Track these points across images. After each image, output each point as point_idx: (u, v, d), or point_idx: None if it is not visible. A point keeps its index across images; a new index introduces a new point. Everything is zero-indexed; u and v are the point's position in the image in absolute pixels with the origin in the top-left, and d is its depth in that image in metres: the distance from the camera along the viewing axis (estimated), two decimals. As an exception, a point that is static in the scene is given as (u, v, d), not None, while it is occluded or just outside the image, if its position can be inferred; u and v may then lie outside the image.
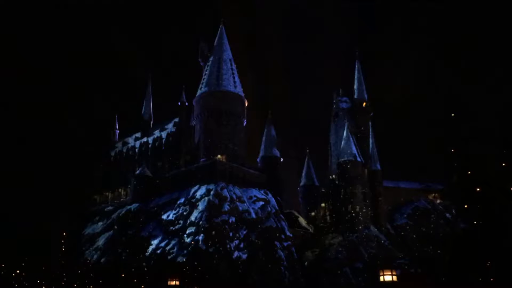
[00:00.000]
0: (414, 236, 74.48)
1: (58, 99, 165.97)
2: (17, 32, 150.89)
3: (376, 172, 75.94)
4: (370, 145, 78.36)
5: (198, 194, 58.30)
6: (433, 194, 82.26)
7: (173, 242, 55.08)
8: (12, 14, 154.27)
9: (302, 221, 74.56)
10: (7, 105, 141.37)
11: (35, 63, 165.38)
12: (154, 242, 56.53)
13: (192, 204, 57.68)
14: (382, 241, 67.97)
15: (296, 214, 75.94)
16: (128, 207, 66.08)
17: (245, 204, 59.04)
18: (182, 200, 59.82)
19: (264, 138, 77.39)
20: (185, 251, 51.89)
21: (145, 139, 76.97)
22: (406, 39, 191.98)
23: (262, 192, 63.56)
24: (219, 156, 65.36)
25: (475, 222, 16.03)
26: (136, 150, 76.84)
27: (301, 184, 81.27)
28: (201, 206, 56.09)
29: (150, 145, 74.54)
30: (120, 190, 76.02)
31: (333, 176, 76.30)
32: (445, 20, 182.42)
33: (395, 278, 20.81)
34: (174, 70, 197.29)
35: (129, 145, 79.74)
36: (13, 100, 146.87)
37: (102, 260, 58.47)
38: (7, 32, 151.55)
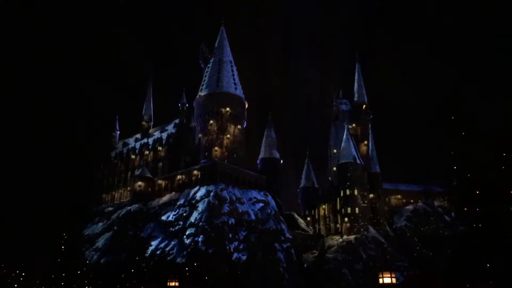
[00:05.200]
0: (414, 238, 74.43)
1: (58, 99, 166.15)
2: (16, 32, 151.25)
3: (375, 174, 76.03)
4: (370, 147, 78.51)
5: (198, 195, 58.40)
6: (432, 196, 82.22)
7: (172, 243, 55.13)
8: (12, 14, 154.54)
9: (302, 222, 74.61)
10: (7, 105, 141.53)
11: (36, 63, 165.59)
12: (154, 243, 56.54)
13: (192, 205, 57.77)
14: (382, 243, 67.99)
15: (296, 215, 75.99)
16: (128, 207, 66.14)
17: (245, 206, 59.11)
18: (182, 201, 59.92)
19: (264, 139, 77.41)
20: (184, 252, 51.97)
21: (145, 140, 77.04)
22: (406, 40, 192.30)
23: (262, 193, 63.61)
24: (219, 157, 65.44)
25: (474, 225, 16.11)
26: (137, 151, 76.91)
27: (301, 185, 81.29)
28: (201, 207, 56.17)
29: (150, 146, 74.63)
30: (120, 191, 76.13)
31: (333, 178, 76.38)
32: (444, 20, 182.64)
33: (394, 280, 20.85)
34: (175, 72, 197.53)
35: (130, 146, 79.80)
36: (13, 100, 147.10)
37: (102, 260, 58.39)
38: (6, 32, 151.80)
